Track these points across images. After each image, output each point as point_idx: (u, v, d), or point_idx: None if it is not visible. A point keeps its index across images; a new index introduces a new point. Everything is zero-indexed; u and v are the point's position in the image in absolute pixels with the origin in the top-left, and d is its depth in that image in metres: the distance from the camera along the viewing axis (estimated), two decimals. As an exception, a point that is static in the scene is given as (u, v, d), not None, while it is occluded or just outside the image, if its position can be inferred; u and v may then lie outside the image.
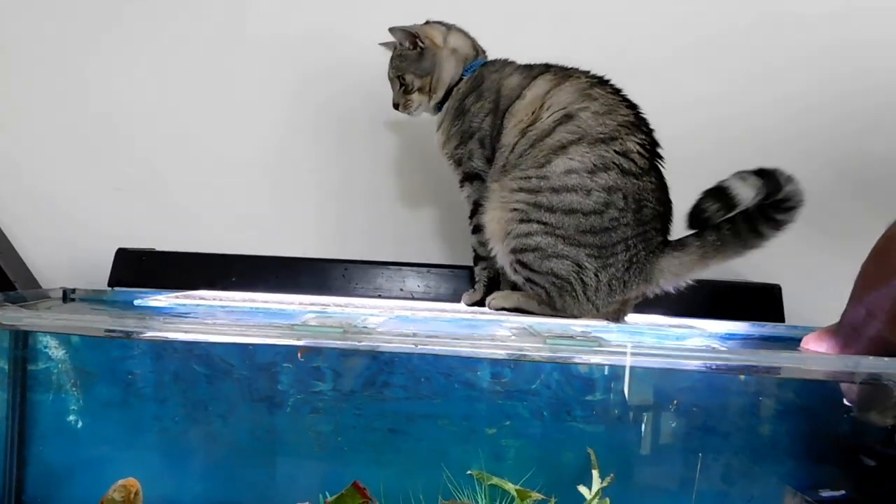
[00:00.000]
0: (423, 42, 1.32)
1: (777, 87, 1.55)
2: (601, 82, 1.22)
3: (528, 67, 1.28)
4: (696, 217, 1.12)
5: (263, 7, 1.63)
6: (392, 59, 1.35)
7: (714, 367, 1.06)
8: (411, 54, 1.33)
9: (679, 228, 1.19)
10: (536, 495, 1.11)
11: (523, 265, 1.18)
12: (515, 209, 1.18)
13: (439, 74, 1.32)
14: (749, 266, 1.45)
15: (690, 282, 1.19)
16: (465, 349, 1.04)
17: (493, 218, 1.20)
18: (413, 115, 1.36)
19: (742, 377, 1.21)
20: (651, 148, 1.19)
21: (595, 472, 1.12)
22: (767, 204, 1.09)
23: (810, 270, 1.47)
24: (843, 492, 1.14)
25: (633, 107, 1.21)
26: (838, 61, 1.54)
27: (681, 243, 1.16)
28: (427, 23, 1.34)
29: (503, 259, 1.20)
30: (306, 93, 1.62)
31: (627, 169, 1.16)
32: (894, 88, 1.54)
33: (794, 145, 1.54)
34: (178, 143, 1.64)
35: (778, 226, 1.11)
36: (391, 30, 1.33)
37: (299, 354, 1.25)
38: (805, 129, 1.56)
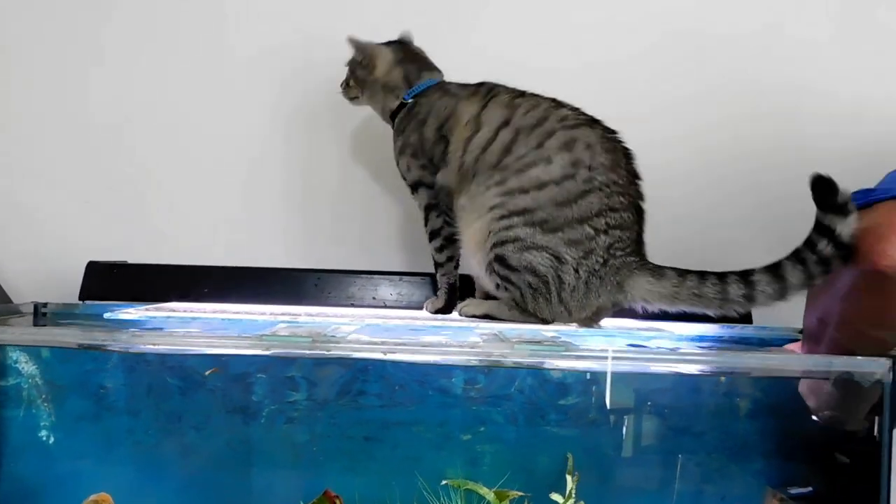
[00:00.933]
0: (366, 64, 1.37)
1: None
2: (521, 94, 1.27)
3: (463, 86, 1.33)
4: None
5: (237, 22, 1.64)
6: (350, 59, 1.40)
7: (699, 371, 1.07)
8: (355, 62, 1.39)
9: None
10: (514, 493, 1.12)
11: (501, 261, 1.17)
12: (493, 206, 1.19)
13: (371, 94, 1.38)
14: (715, 268, 1.48)
15: (657, 310, 1.17)
16: (433, 356, 1.04)
17: (475, 228, 1.21)
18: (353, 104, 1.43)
19: (722, 378, 1.23)
20: (608, 146, 1.20)
21: (569, 477, 1.13)
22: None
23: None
24: (810, 488, 1.16)
25: (557, 101, 1.24)
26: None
27: (660, 271, 1.15)
28: (383, 46, 1.38)
29: (482, 264, 1.21)
30: (278, 105, 1.63)
31: (571, 123, 1.20)
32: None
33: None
34: (148, 156, 1.64)
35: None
36: (349, 39, 1.37)
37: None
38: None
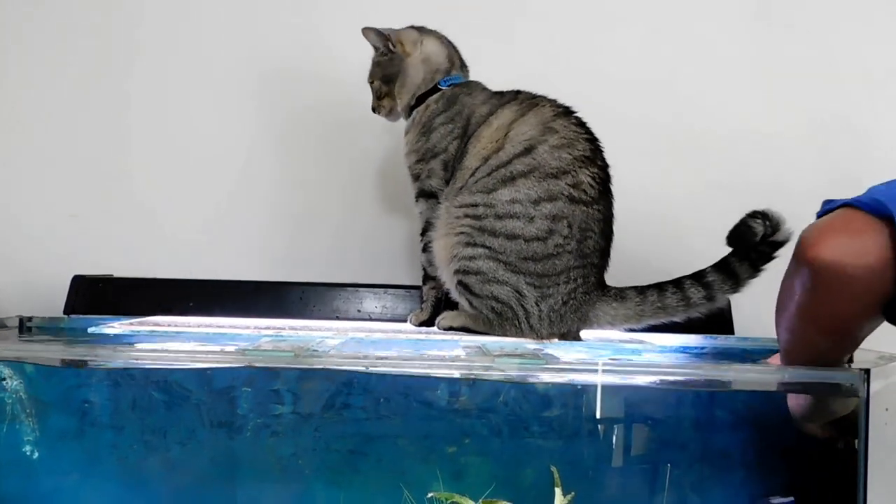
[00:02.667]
0: (393, 46, 1.33)
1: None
2: (566, 113, 1.26)
3: (499, 94, 1.31)
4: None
5: (218, 34, 1.65)
6: (371, 64, 1.37)
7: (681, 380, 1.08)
8: (382, 60, 1.35)
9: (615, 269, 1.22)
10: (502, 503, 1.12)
11: (465, 287, 1.20)
12: (461, 233, 1.20)
13: (403, 81, 1.33)
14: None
15: (625, 331, 1.23)
16: (415, 369, 1.05)
17: (441, 245, 1.22)
18: (390, 119, 1.39)
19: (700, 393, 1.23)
20: (603, 180, 1.23)
21: (558, 490, 1.13)
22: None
23: (758, 283, 1.51)
24: (791, 498, 1.16)
25: (592, 140, 1.24)
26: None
27: (621, 294, 1.20)
28: (406, 28, 1.35)
29: (448, 281, 1.22)
30: (264, 121, 1.64)
31: (577, 198, 1.20)
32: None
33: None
34: (135, 171, 1.65)
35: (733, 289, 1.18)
36: (364, 30, 1.33)
37: None
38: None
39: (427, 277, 1.31)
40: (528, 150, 1.21)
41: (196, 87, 1.65)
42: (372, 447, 1.29)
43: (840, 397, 1.04)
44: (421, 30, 1.36)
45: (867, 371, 0.97)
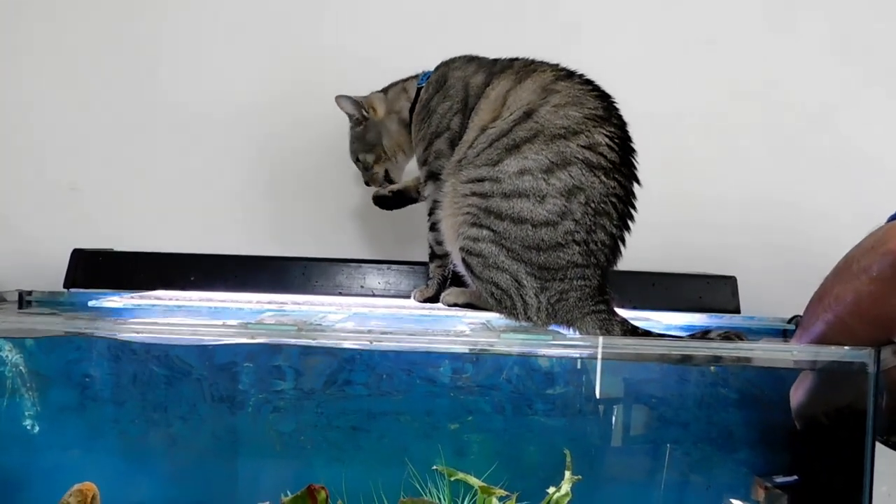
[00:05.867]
0: (366, 111, 1.34)
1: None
2: (569, 75, 1.18)
3: (493, 63, 1.26)
4: None
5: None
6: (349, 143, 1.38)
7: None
8: (359, 131, 1.36)
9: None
10: (500, 492, 1.12)
11: (468, 267, 1.16)
12: (467, 213, 1.14)
13: (388, 136, 1.34)
14: (705, 258, 1.49)
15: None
16: (419, 345, 1.04)
17: (448, 224, 1.18)
18: (394, 178, 1.38)
19: (713, 368, 1.22)
20: (622, 140, 1.13)
21: (567, 473, 1.13)
22: None
23: (764, 262, 1.51)
24: (795, 477, 1.16)
25: (604, 97, 1.16)
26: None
27: (608, 325, 1.09)
28: (371, 94, 1.37)
29: (455, 256, 1.19)
30: (269, 89, 1.62)
31: (594, 163, 1.10)
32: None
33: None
34: (136, 144, 1.62)
35: None
36: (337, 99, 1.34)
37: None
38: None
39: (433, 255, 1.28)
40: (528, 115, 1.13)
41: (200, 55, 1.63)
42: (374, 424, 1.29)
43: (848, 380, 1.03)
44: (381, 91, 1.37)
45: (878, 350, 0.96)
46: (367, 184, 1.39)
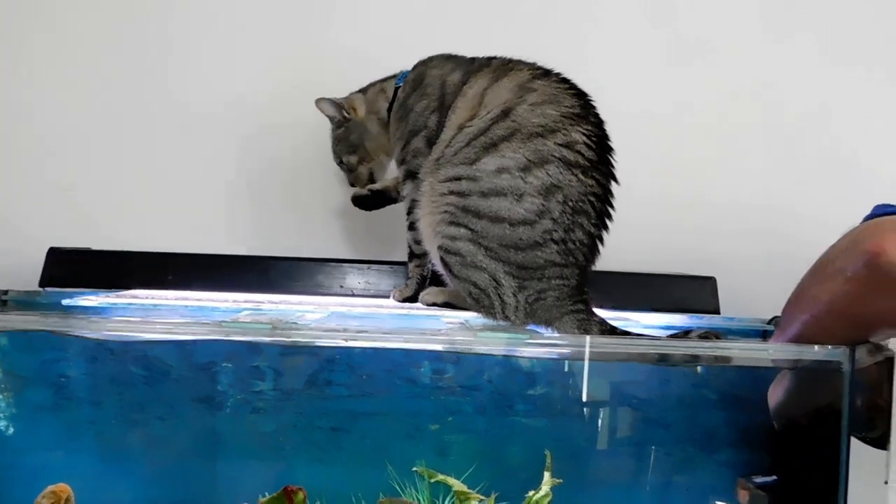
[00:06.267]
0: (347, 113, 1.33)
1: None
2: (546, 73, 1.18)
3: (470, 61, 1.25)
4: None
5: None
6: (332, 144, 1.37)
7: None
8: (340, 133, 1.35)
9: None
10: (477, 496, 1.11)
11: (447, 266, 1.15)
12: (445, 211, 1.13)
13: (370, 138, 1.33)
14: (684, 259, 1.49)
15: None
16: (394, 343, 1.03)
17: (426, 223, 1.17)
18: (376, 181, 1.37)
19: (698, 369, 1.22)
20: (600, 139, 1.13)
21: (547, 474, 1.12)
22: None
23: (744, 263, 1.51)
24: (775, 477, 1.17)
25: (580, 95, 1.16)
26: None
27: (587, 324, 1.09)
28: (350, 94, 1.36)
29: (434, 255, 1.18)
30: (246, 88, 1.60)
31: (572, 161, 1.10)
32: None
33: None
34: (114, 142, 1.60)
35: None
36: (317, 102, 1.33)
37: None
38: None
39: (412, 255, 1.28)
40: (506, 113, 1.13)
41: (181, 52, 1.61)
42: (355, 424, 1.28)
43: (824, 380, 1.04)
44: (359, 91, 1.36)
45: (853, 349, 0.97)
46: (352, 185, 1.38)
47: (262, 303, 1.27)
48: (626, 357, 1.07)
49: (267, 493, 1.12)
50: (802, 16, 1.62)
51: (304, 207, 1.60)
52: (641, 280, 1.37)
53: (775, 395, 1.12)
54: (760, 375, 1.15)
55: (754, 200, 1.58)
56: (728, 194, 1.59)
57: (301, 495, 1.07)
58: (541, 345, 0.96)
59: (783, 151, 1.61)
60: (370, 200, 1.35)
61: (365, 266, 1.38)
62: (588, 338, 0.97)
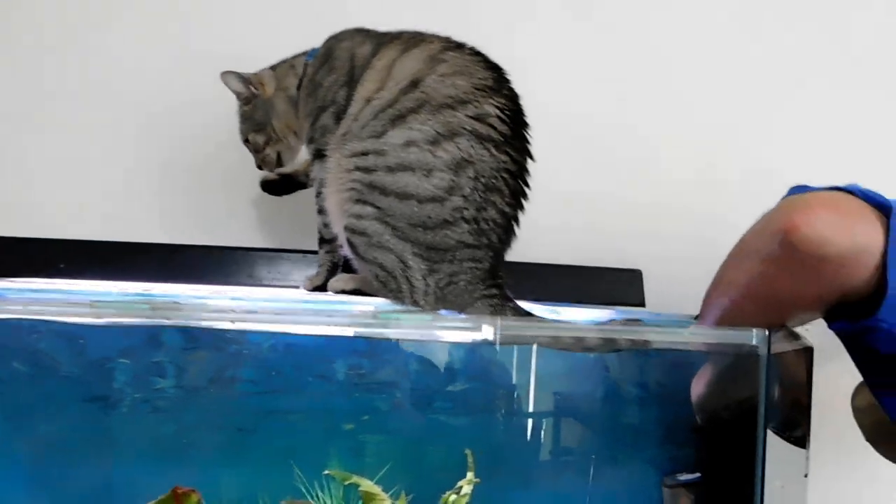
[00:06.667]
0: (256, 89, 1.26)
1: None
2: (457, 46, 1.14)
3: (381, 34, 1.20)
4: None
5: None
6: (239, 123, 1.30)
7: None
8: (247, 110, 1.28)
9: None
10: (384, 497, 1.05)
11: (353, 248, 1.09)
12: (351, 188, 1.08)
13: (277, 116, 1.26)
14: (610, 251, 1.47)
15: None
16: (288, 326, 0.96)
17: (333, 201, 1.11)
18: (285, 164, 1.29)
19: (621, 361, 1.17)
20: (514, 113, 1.09)
21: (470, 474, 1.08)
22: None
23: (670, 256, 1.49)
24: (698, 474, 1.14)
25: (494, 68, 1.12)
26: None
27: (501, 310, 1.05)
28: (261, 70, 1.29)
29: (342, 238, 1.12)
30: (159, 71, 1.52)
31: (483, 134, 1.05)
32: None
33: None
34: (3, 122, 1.50)
35: None
36: (223, 76, 1.26)
37: None
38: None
39: (322, 240, 1.21)
40: (414, 84, 1.08)
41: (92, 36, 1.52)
42: (263, 424, 1.19)
43: (745, 371, 1.00)
44: (271, 67, 1.30)
45: (769, 332, 0.94)
46: (260, 167, 1.30)
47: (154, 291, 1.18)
48: (544, 342, 1.02)
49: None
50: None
51: (209, 192, 1.51)
52: (565, 271, 1.34)
53: (698, 387, 1.10)
54: (684, 367, 1.13)
55: (683, 197, 1.57)
56: (657, 189, 1.58)
57: (195, 498, 0.99)
58: (448, 328, 0.90)
59: (705, 162, 1.60)
60: (279, 185, 1.27)
61: (275, 255, 1.31)
62: (499, 319, 0.92)
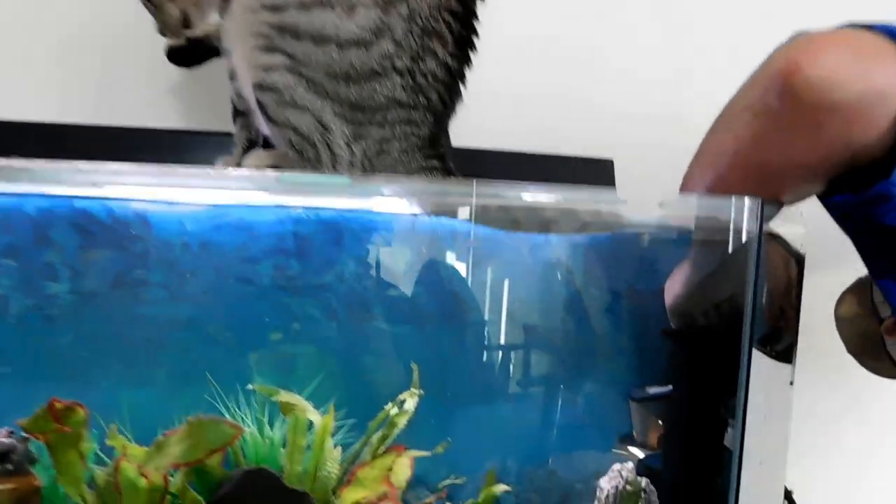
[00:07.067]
0: None
1: None
2: None
3: None
4: None
5: None
6: None
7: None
8: None
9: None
10: (303, 406, 0.91)
11: (263, 109, 0.90)
12: (259, 33, 0.88)
13: None
14: (579, 140, 1.31)
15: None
16: (161, 193, 0.79)
17: (239, 56, 0.91)
18: (193, 26, 1.07)
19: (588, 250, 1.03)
20: None
21: (414, 390, 0.97)
22: None
23: (641, 144, 1.34)
24: (670, 387, 1.02)
25: None
26: None
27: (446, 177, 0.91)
28: None
29: (251, 100, 0.93)
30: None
31: (416, 11, 0.85)
32: None
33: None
34: None
35: None
36: None
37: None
38: None
39: (237, 113, 1.02)
40: None
41: None
42: (176, 334, 1.04)
43: (727, 271, 0.87)
44: None
45: (762, 202, 0.78)
46: (162, 33, 1.08)
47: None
48: (501, 223, 0.87)
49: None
50: None
51: (114, 67, 1.31)
52: (532, 160, 1.17)
53: (673, 287, 0.95)
54: (658, 261, 0.99)
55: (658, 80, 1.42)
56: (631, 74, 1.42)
57: (80, 413, 0.84)
58: (367, 195, 0.74)
59: (690, 31, 1.44)
60: (188, 53, 1.06)
61: (189, 137, 1.13)
62: (475, 182, 0.75)
